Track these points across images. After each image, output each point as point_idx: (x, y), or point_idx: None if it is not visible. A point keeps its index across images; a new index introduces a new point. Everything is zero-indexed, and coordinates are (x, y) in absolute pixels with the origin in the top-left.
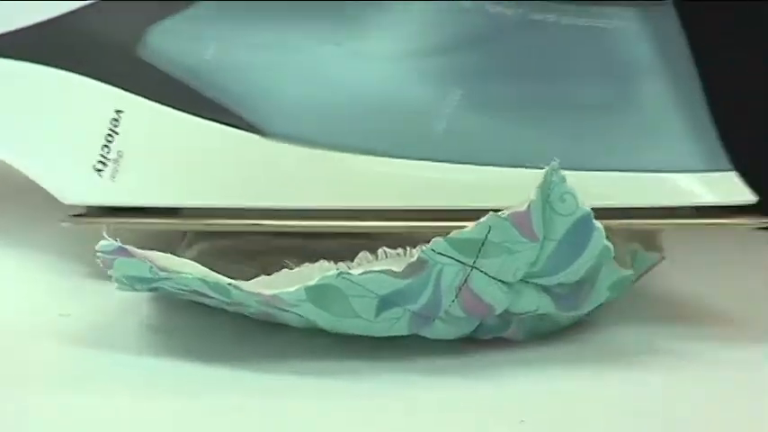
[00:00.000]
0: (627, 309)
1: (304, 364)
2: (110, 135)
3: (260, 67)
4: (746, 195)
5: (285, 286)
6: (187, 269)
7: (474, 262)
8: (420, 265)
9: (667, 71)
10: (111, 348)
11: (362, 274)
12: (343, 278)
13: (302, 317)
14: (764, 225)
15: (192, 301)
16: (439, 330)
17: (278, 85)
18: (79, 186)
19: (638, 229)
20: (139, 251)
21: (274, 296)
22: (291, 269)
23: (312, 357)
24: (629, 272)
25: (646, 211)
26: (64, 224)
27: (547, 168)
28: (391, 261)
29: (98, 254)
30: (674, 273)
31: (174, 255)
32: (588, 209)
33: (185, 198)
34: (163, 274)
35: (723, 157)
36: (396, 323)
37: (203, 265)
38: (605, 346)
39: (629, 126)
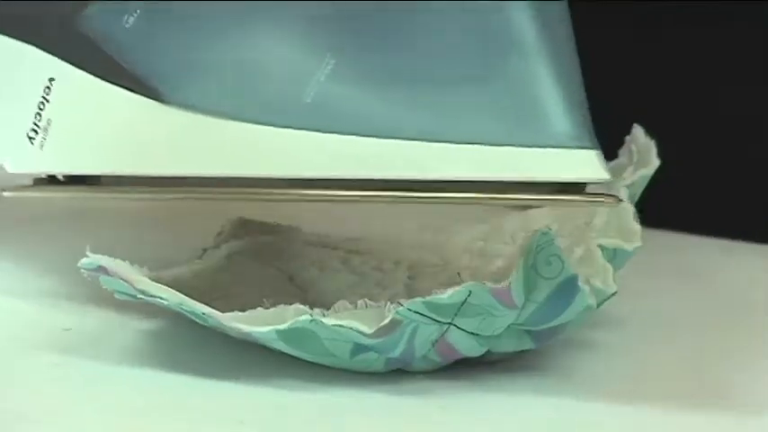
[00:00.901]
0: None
1: (304, 375)
2: (42, 103)
3: (169, 36)
4: (602, 174)
5: (258, 324)
6: (164, 295)
7: (452, 320)
8: (393, 325)
9: (545, 51)
10: (112, 361)
11: (334, 325)
12: (316, 323)
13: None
14: (615, 203)
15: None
16: (417, 367)
17: (181, 51)
18: (17, 155)
19: (490, 203)
20: (120, 271)
21: (248, 333)
22: (267, 308)
23: (311, 368)
24: (594, 308)
25: (502, 184)
26: (6, 194)
27: (536, 232)
28: (369, 312)
29: (82, 270)
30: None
31: (206, 252)
32: (573, 272)
33: (99, 167)
34: (141, 296)
35: (588, 136)
36: (372, 364)
37: (234, 266)
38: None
39: (496, 100)
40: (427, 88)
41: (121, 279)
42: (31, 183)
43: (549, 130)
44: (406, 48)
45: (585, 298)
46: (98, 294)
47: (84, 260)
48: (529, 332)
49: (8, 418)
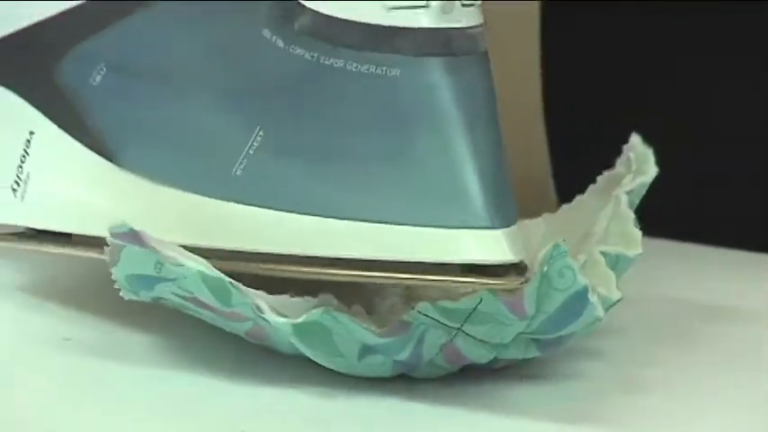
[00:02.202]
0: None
1: (308, 381)
2: (23, 155)
3: (127, 97)
4: (507, 255)
5: (283, 309)
6: (190, 261)
7: (461, 326)
8: (402, 327)
9: (461, 123)
10: (114, 369)
11: (347, 320)
12: (330, 316)
13: (291, 345)
14: (522, 285)
15: (194, 319)
16: (424, 373)
17: (135, 114)
18: (1, 205)
19: (397, 283)
20: (151, 237)
21: (262, 328)
22: (293, 297)
23: (315, 374)
24: (602, 320)
25: (409, 265)
26: None
27: (549, 246)
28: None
29: (108, 239)
30: None
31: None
32: (585, 283)
33: (67, 225)
34: (164, 271)
35: (498, 215)
36: (379, 367)
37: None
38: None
39: (408, 178)
40: (346, 164)
41: (150, 247)
42: (9, 232)
43: (458, 210)
44: (320, 121)
45: (595, 311)
46: (101, 303)
47: (113, 225)
48: (536, 340)
49: (10, 425)
